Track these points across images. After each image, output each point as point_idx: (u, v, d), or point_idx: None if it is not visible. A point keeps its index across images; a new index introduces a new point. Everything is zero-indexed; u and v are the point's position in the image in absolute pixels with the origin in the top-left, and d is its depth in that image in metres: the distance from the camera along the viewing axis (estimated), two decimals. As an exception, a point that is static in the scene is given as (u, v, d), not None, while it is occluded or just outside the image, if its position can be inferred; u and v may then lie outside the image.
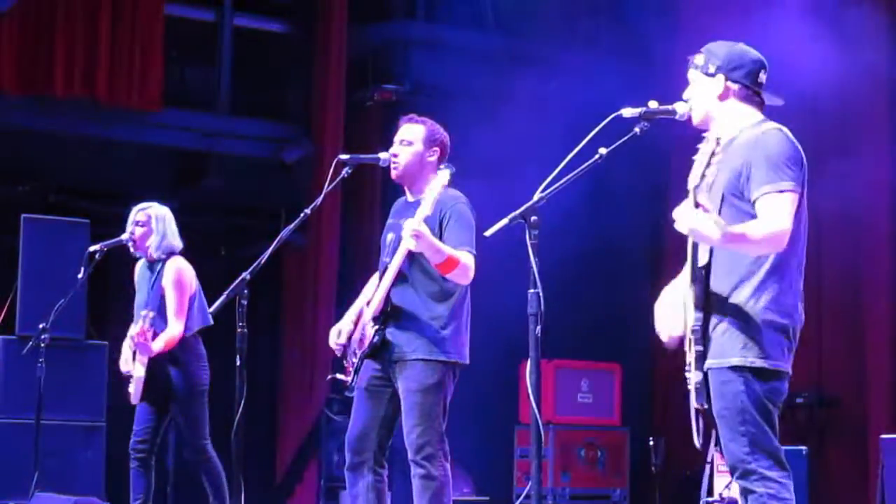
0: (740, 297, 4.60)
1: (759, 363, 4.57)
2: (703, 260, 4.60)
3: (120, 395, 8.13)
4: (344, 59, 11.70)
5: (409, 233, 5.67)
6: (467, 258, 5.85)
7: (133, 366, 7.63)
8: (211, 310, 5.83)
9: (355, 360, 6.09)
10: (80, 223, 9.20)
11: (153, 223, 7.77)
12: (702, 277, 4.62)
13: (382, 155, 6.17)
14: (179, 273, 7.68)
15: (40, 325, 8.15)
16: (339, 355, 6.21)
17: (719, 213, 4.52)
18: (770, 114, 4.80)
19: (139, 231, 7.74)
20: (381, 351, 6.00)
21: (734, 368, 4.57)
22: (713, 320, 4.63)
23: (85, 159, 11.24)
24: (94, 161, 11.27)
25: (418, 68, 11.65)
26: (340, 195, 11.18)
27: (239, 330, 5.79)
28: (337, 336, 6.15)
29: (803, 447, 8.67)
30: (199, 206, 11.75)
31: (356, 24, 11.83)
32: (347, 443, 6.06)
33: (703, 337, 4.61)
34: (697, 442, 4.87)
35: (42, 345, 8.14)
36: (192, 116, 11.57)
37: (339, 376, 6.20)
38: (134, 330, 7.52)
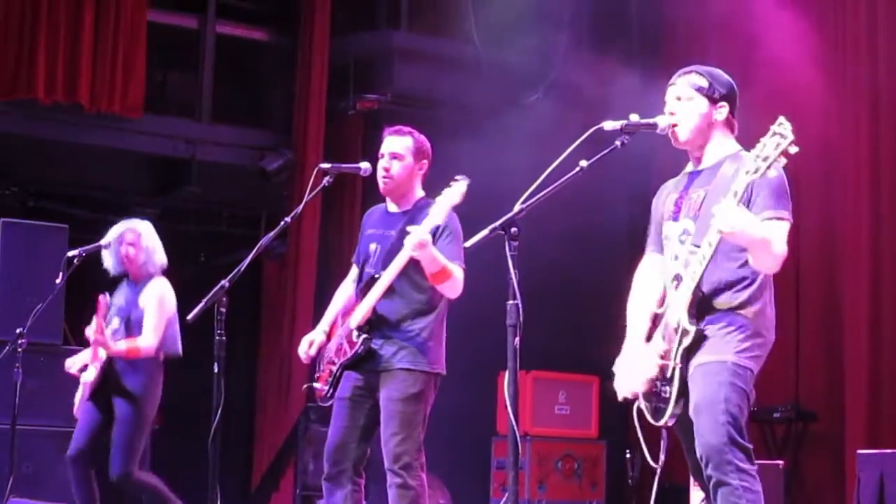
0: (735, 304, 4.77)
1: (752, 365, 4.76)
2: (696, 274, 4.70)
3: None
4: (326, 67, 11.69)
5: (415, 241, 5.70)
6: (459, 272, 5.91)
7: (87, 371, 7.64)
8: (189, 317, 5.80)
9: (333, 369, 6.10)
10: (59, 228, 9.18)
11: (143, 241, 7.77)
12: (698, 287, 4.73)
13: (363, 164, 6.18)
14: (162, 293, 7.67)
15: (17, 330, 8.11)
16: (307, 363, 6.23)
17: None
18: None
19: (132, 251, 7.72)
20: (364, 361, 6.00)
21: (725, 363, 4.70)
22: (709, 324, 4.77)
23: (66, 165, 11.21)
24: (75, 166, 11.25)
25: (400, 78, 11.65)
26: (320, 204, 11.18)
27: (217, 337, 5.78)
28: (308, 346, 6.16)
29: (780, 461, 8.68)
30: (179, 212, 11.74)
31: (338, 33, 11.84)
32: (326, 453, 6.05)
33: (698, 338, 4.74)
34: (659, 459, 4.98)
35: (19, 350, 8.10)
36: (173, 123, 11.55)
37: (316, 385, 6.20)
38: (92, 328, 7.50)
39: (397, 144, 6.14)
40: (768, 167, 4.36)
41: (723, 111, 4.92)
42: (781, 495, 8.53)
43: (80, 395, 7.73)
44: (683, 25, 11.38)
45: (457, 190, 5.79)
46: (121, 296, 7.79)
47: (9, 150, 10.79)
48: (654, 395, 4.88)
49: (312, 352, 6.15)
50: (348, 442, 6.01)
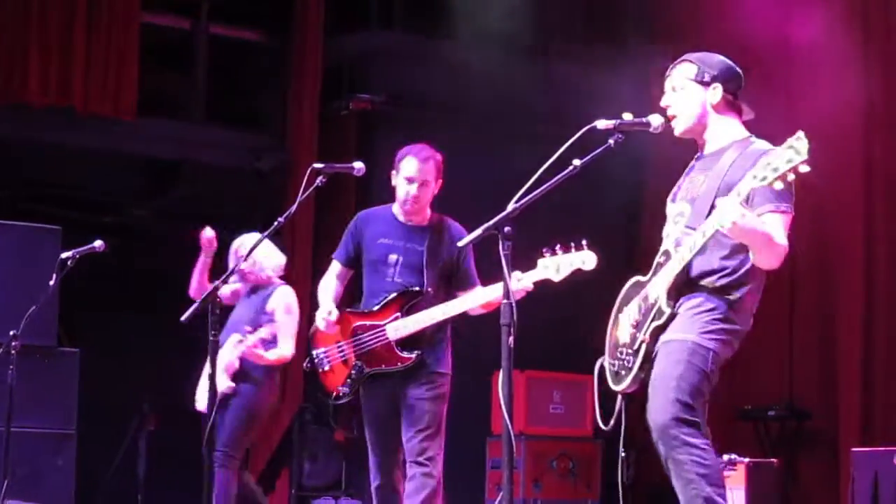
0: (717, 287, 4.78)
1: (715, 346, 4.76)
2: (684, 259, 4.74)
3: (91, 403, 8.09)
4: (319, 68, 11.68)
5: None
6: None
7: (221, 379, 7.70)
8: (183, 318, 5.79)
9: (353, 373, 6.34)
10: (52, 229, 9.14)
11: (250, 253, 7.92)
12: (683, 271, 4.77)
13: (357, 164, 6.20)
14: (290, 300, 7.89)
15: (11, 332, 8.08)
16: (322, 329, 6.39)
17: (708, 216, 4.68)
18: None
19: (245, 266, 7.84)
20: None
21: (685, 342, 4.74)
22: (684, 301, 4.81)
23: (59, 166, 11.19)
24: (69, 168, 11.23)
25: (394, 78, 11.64)
26: (314, 204, 11.16)
27: (211, 338, 5.77)
28: (328, 314, 6.31)
29: (774, 460, 8.68)
30: (172, 214, 11.73)
31: (332, 34, 11.82)
32: (376, 464, 6.35)
33: (670, 319, 4.80)
34: (607, 423, 5.04)
35: (13, 352, 8.08)
36: (166, 125, 11.53)
37: (340, 387, 6.35)
38: (229, 349, 7.60)
39: (425, 171, 6.35)
40: (776, 179, 4.27)
41: (716, 93, 4.91)
42: (776, 494, 8.54)
43: (204, 391, 7.79)
44: (683, 19, 11.38)
45: (577, 261, 5.87)
46: (244, 307, 7.97)
47: (1, 152, 10.76)
48: (619, 360, 4.96)
49: (333, 318, 6.33)
50: (390, 451, 6.35)
